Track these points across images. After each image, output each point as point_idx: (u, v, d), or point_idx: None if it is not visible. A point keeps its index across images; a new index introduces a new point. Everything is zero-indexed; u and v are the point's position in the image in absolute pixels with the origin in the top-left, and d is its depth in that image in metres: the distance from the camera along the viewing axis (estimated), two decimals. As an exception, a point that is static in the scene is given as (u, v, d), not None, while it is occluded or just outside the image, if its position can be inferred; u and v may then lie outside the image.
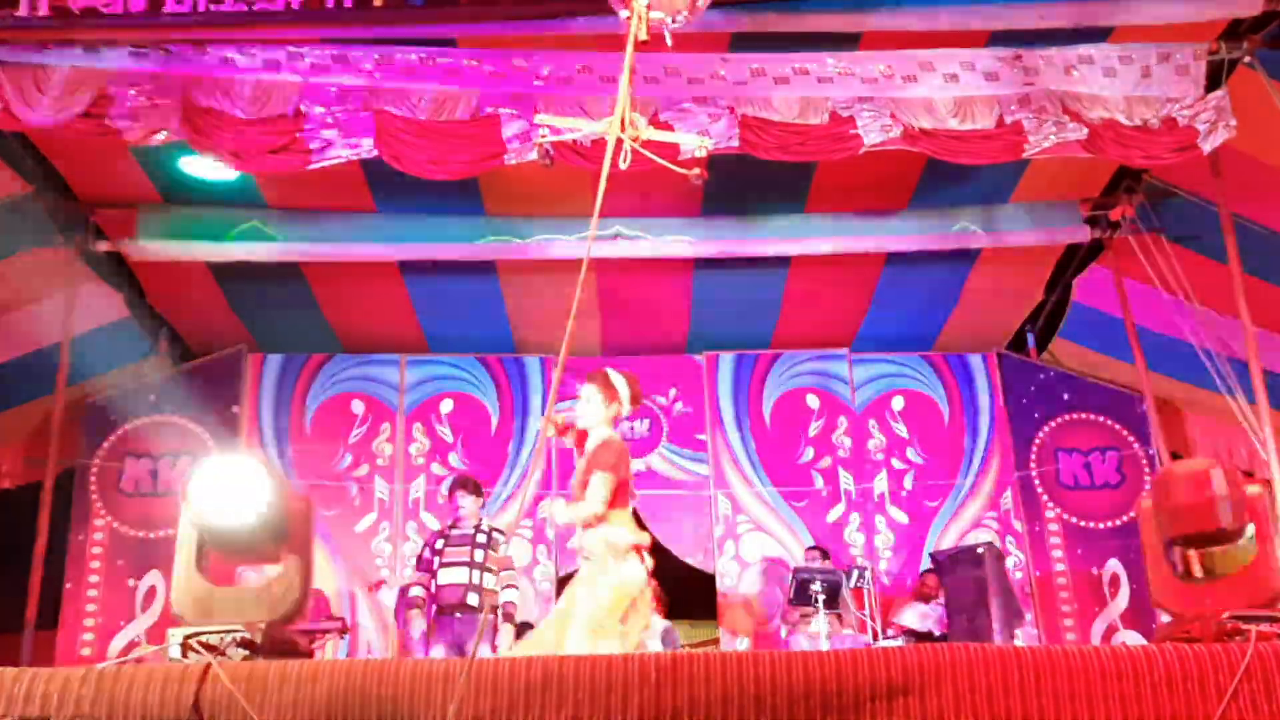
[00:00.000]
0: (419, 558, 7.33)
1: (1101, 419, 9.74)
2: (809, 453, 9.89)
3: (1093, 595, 9.31)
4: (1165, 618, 3.57)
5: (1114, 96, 6.57)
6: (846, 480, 9.78)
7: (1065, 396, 9.85)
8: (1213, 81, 6.55)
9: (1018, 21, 6.27)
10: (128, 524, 8.92)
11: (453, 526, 7.21)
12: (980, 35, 6.48)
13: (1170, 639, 3.18)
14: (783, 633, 8.92)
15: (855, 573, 8.62)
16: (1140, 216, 8.05)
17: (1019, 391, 9.96)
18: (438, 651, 6.69)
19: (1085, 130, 6.55)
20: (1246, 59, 6.38)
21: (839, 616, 8.32)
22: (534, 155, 6.53)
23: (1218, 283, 7.18)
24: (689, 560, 9.61)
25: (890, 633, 8.51)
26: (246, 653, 3.17)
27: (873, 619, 8.56)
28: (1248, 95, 6.41)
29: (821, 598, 7.94)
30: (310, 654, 3.70)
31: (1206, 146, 6.54)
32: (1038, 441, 9.75)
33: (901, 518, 9.74)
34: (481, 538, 7.07)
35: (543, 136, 5.85)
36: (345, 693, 2.93)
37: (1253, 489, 3.26)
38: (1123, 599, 9.21)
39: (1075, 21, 6.28)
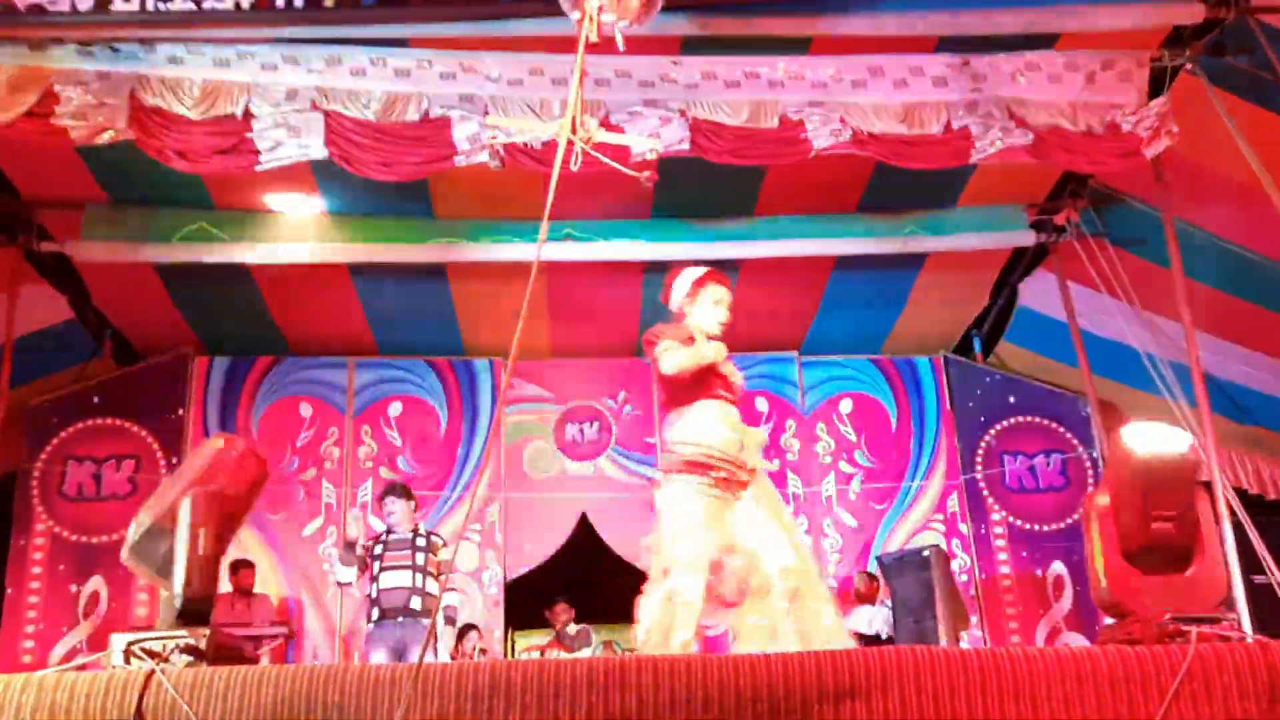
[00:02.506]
0: (358, 555, 7.27)
1: (1046, 422, 9.87)
2: (758, 456, 9.91)
3: (1037, 597, 9.43)
4: (1108, 620, 3.62)
5: (1059, 102, 6.66)
6: (795, 483, 9.82)
7: (1010, 400, 9.97)
8: (1155, 88, 6.66)
9: (965, 28, 6.34)
10: (70, 529, 8.76)
11: (389, 532, 7.15)
12: (928, 41, 6.55)
13: (1113, 641, 3.22)
14: (730, 635, 8.92)
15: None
16: (1085, 221, 8.18)
17: (965, 395, 10.07)
18: (380, 656, 6.63)
19: (1031, 136, 6.63)
20: (1188, 66, 6.48)
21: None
22: (484, 157, 6.50)
23: (1160, 287, 7.30)
24: (638, 564, 9.58)
25: (839, 635, 8.55)
26: (190, 659, 3.13)
27: (821, 621, 8.59)
28: (1190, 102, 6.52)
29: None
30: (255, 660, 3.65)
31: (1149, 152, 6.65)
32: (983, 444, 9.87)
33: (849, 520, 9.80)
34: (421, 541, 7.03)
35: (493, 138, 5.84)
36: (291, 699, 2.90)
37: None
38: (1066, 601, 9.34)
39: (1022, 28, 6.35)
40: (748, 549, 4.34)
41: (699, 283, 4.71)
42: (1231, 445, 8.54)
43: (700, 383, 4.47)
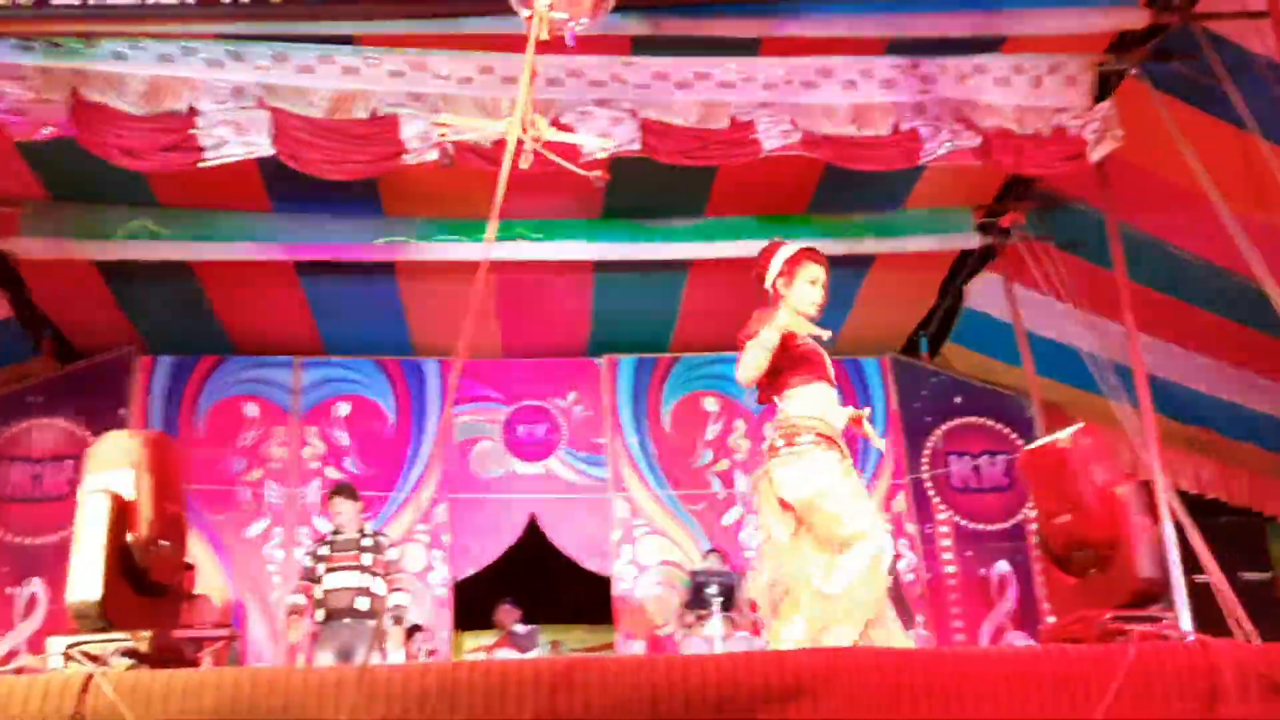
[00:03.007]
0: (303, 566, 7.20)
1: (991, 423, 9.98)
2: (706, 455, 9.95)
3: (981, 596, 9.53)
4: (1052, 618, 3.67)
5: (1006, 106, 6.73)
6: (743, 483, 9.86)
7: (956, 400, 10.06)
8: (1101, 92, 6.75)
9: (913, 30, 6.39)
10: (9, 530, 8.62)
11: (336, 533, 7.09)
12: (878, 43, 6.59)
13: (1056, 640, 3.26)
14: (678, 636, 8.96)
15: (751, 575, 8.70)
16: (1030, 224, 8.26)
17: (911, 395, 10.15)
18: (325, 658, 6.57)
19: (978, 138, 6.69)
20: (1133, 71, 6.57)
21: (734, 620, 8.38)
22: (434, 155, 6.46)
23: (1104, 289, 7.40)
24: (586, 564, 9.60)
25: (786, 635, 8.58)
26: (131, 662, 3.07)
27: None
28: (1134, 106, 6.61)
29: (717, 601, 7.98)
30: (197, 663, 3.60)
31: (1094, 156, 6.74)
32: (929, 445, 9.95)
33: (798, 520, 9.83)
34: (368, 542, 6.98)
35: (442, 136, 5.79)
36: (233, 702, 2.86)
37: (1121, 489, 3.36)
38: (1010, 600, 9.46)
39: (969, 32, 6.41)
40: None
41: (793, 261, 4.54)
42: (1173, 445, 8.68)
43: (806, 362, 4.37)
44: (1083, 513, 3.49)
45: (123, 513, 3.40)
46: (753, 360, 4.30)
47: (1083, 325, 7.83)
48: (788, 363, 4.33)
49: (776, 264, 4.55)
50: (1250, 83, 5.91)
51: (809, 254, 4.55)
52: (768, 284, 4.58)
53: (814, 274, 4.50)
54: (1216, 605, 6.65)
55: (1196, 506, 8.01)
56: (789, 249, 4.58)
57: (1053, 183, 7.87)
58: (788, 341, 4.29)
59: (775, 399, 4.37)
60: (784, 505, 4.17)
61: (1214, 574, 6.78)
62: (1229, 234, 6.05)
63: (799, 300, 4.47)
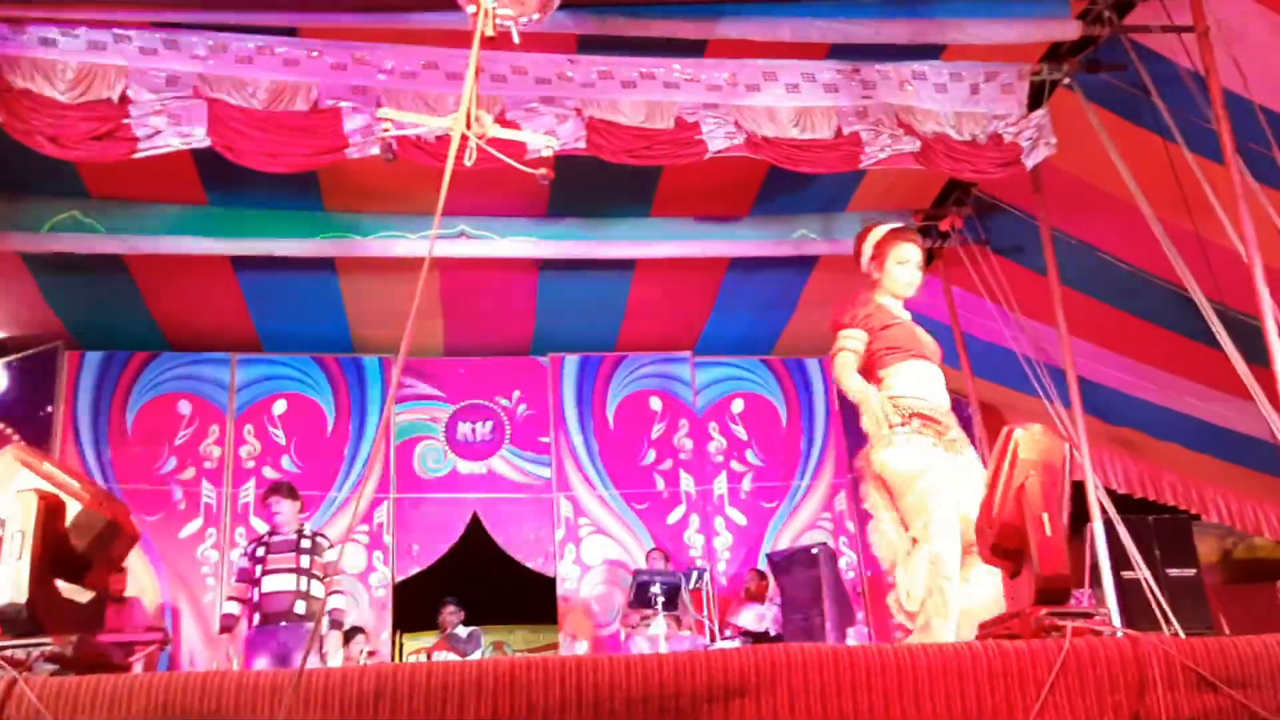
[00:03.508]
0: (239, 568, 7.08)
1: (930, 422, 10.10)
2: (651, 455, 9.97)
3: (921, 593, 9.63)
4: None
5: (945, 112, 6.81)
6: (687, 482, 9.90)
7: (897, 401, 10.17)
8: (1035, 101, 6.86)
9: (855, 36, 6.44)
10: (-71, 531, 8.36)
11: (273, 533, 6.95)
12: (820, 48, 6.64)
13: (992, 636, 3.31)
14: (622, 636, 8.96)
15: (694, 574, 8.73)
16: (968, 228, 8.39)
17: (853, 396, 10.24)
18: (261, 662, 6.44)
19: (918, 143, 6.77)
20: (1066, 80, 6.70)
21: (678, 619, 8.40)
22: (376, 150, 6.37)
23: (1038, 293, 7.53)
24: (530, 564, 9.57)
25: (728, 634, 8.64)
26: (55, 667, 2.99)
27: (711, 620, 8.68)
28: (1067, 115, 6.73)
29: (661, 600, 8.00)
30: (127, 667, 3.51)
31: (1029, 162, 6.85)
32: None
33: (740, 519, 9.90)
34: (306, 543, 6.84)
35: (385, 130, 5.71)
36: (164, 708, 2.79)
37: (1029, 486, 3.42)
38: (948, 597, 9.57)
39: (909, 38, 6.49)
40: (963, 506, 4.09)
41: (883, 243, 4.53)
42: (1103, 445, 8.85)
43: (902, 341, 4.40)
44: (1002, 518, 3.55)
45: (52, 513, 3.31)
46: (840, 376, 4.39)
47: (1018, 328, 7.96)
48: (884, 344, 4.37)
49: (868, 249, 4.59)
50: (1176, 94, 6.06)
51: (898, 234, 4.56)
52: (863, 268, 4.61)
53: (903, 254, 4.52)
54: (1145, 600, 6.82)
55: (1125, 505, 8.20)
56: (878, 232, 4.59)
57: (989, 188, 8.00)
58: (882, 324, 4.38)
59: (877, 377, 4.38)
60: (881, 483, 4.23)
61: (1142, 570, 6.94)
62: (1156, 241, 6.19)
63: (892, 283, 4.52)
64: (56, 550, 3.23)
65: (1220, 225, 5.69)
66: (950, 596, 3.93)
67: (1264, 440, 5.39)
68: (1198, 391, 8.42)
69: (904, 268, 4.52)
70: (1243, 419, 5.59)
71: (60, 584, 3.26)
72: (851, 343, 4.43)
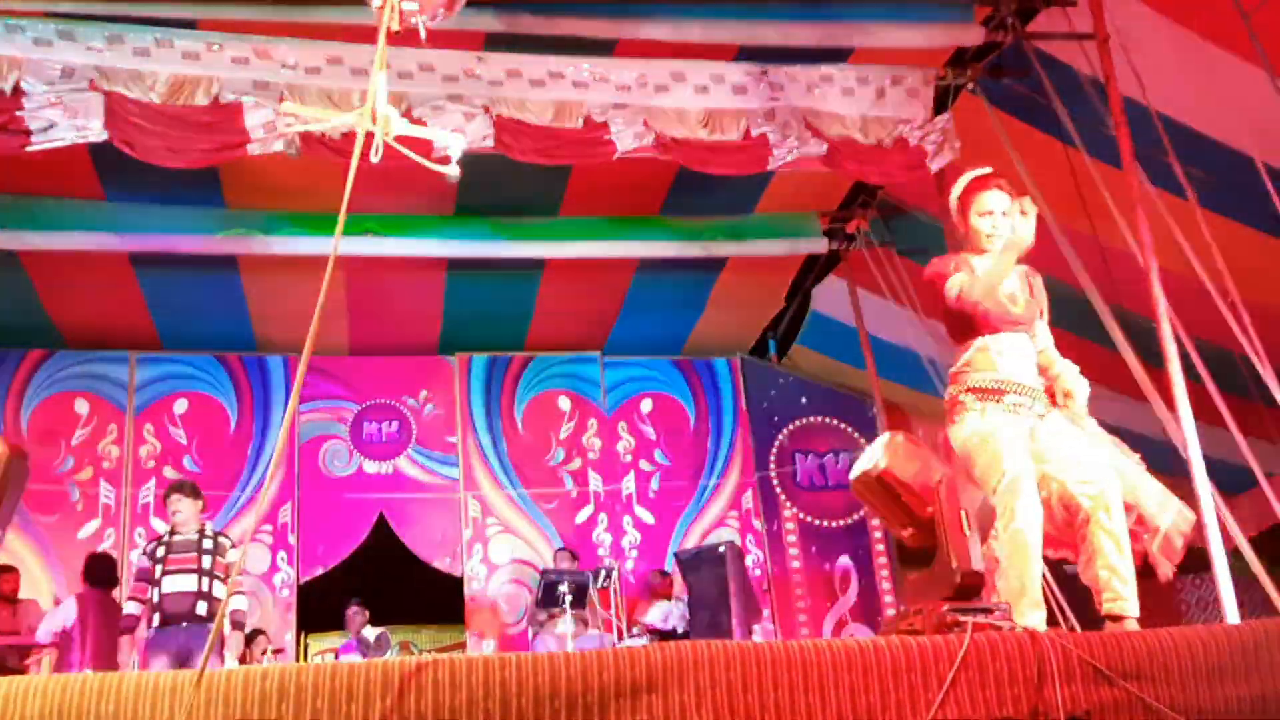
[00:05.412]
0: (139, 568, 6.89)
1: (835, 422, 10.29)
2: (559, 454, 9.96)
3: (825, 591, 9.81)
4: (891, 611, 3.80)
5: (851, 115, 6.92)
6: (595, 482, 9.91)
7: (803, 400, 10.34)
8: (940, 105, 7.01)
9: (762, 38, 6.52)
10: None
11: (173, 533, 6.77)
12: (729, 49, 6.70)
13: (895, 632, 3.38)
14: (530, 635, 8.94)
15: (602, 573, 8.74)
16: (874, 230, 8.54)
17: (760, 395, 10.39)
18: (161, 664, 6.28)
19: (825, 146, 6.86)
20: (970, 86, 6.86)
21: (585, 617, 8.41)
22: (279, 146, 6.28)
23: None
24: (436, 564, 9.50)
25: (635, 631, 8.66)
26: (-56, 674, 2.90)
27: (618, 618, 8.70)
28: (970, 120, 6.89)
29: (568, 599, 8.00)
30: (23, 670, 3.42)
31: (933, 166, 6.99)
32: (777, 443, 10.20)
33: (648, 518, 9.95)
34: (208, 543, 6.66)
35: (288, 126, 5.62)
36: (61, 710, 2.71)
37: (939, 486, 3.51)
38: (852, 594, 9.76)
39: (818, 41, 6.58)
40: (1055, 476, 3.87)
41: (966, 194, 4.13)
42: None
43: (983, 309, 3.98)
44: (915, 519, 3.64)
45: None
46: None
47: (921, 329, 8.12)
48: (965, 310, 4.00)
49: (953, 203, 4.19)
50: (1077, 101, 6.23)
51: (980, 183, 4.13)
52: (955, 220, 4.21)
53: (984, 204, 4.08)
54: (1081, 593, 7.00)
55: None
56: (960, 183, 4.20)
57: (895, 191, 8.14)
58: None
59: (956, 351, 4.10)
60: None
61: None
62: (1056, 244, 6.35)
63: (975, 238, 4.11)
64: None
65: (1118, 229, 5.85)
66: (1030, 570, 3.75)
67: (1158, 440, 5.55)
68: (1095, 392, 8.65)
69: (985, 219, 4.08)
70: (1137, 418, 5.77)
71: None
72: (959, 276, 4.03)
